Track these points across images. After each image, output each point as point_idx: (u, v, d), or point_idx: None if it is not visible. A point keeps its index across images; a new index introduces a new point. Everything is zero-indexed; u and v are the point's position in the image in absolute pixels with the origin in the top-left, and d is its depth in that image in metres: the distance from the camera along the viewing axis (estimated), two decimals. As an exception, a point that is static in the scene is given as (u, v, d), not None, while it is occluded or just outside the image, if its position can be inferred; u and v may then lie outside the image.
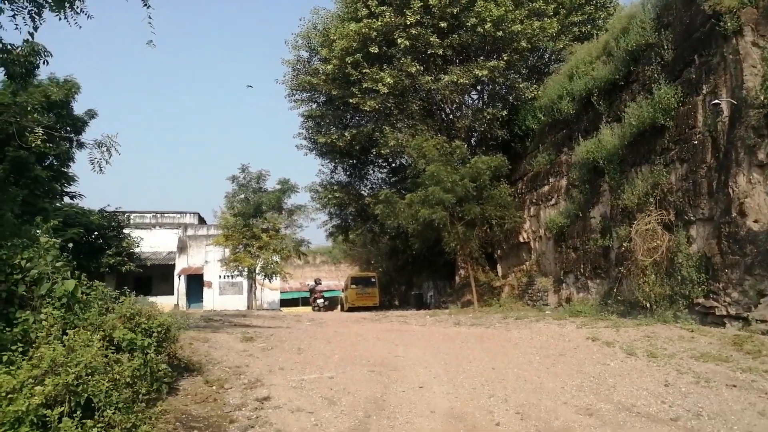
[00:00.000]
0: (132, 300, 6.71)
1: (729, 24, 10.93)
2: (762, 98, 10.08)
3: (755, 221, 10.14)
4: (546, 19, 21.52)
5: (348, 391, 6.54)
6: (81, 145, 22.68)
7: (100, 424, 4.57)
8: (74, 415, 4.50)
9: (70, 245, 29.66)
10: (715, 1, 11.33)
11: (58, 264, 6.39)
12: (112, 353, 5.45)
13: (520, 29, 20.71)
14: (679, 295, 11.64)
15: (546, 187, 20.14)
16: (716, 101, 10.95)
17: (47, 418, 4.35)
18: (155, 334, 6.23)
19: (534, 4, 21.50)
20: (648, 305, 12.54)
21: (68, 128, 20.80)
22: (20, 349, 4.96)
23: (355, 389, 6.62)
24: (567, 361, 7.76)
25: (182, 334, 8.40)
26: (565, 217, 18.01)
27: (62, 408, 4.45)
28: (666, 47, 13.37)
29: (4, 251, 5.93)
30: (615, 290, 14.15)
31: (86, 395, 4.69)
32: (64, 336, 5.36)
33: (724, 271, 10.48)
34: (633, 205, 13.91)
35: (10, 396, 4.35)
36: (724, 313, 10.39)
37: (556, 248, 19.00)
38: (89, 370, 4.83)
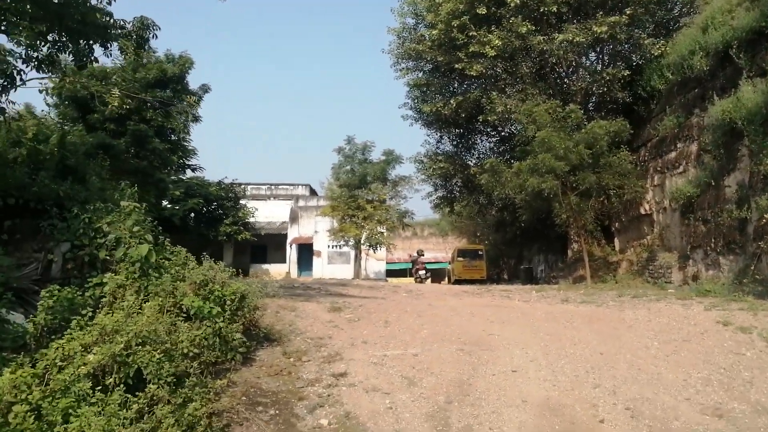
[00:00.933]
0: (209, 266, 6.57)
1: None
2: None
3: None
4: (677, -36, 19.14)
5: (431, 371, 6.04)
6: (196, 119, 23.76)
7: (143, 400, 4.34)
8: (118, 388, 4.31)
9: (192, 214, 31.85)
10: None
11: (135, 228, 6.37)
12: (182, 321, 5.29)
13: (647, -23, 18.56)
14: (837, 276, 9.85)
15: (673, 154, 18.16)
16: None
17: (93, 390, 4.18)
18: (228, 303, 6.04)
19: (663, -51, 19.20)
20: (795, 287, 10.82)
21: (185, 103, 21.74)
22: (89, 314, 4.91)
23: (439, 369, 6.11)
24: (692, 349, 6.71)
25: (270, 302, 8.29)
26: (695, 186, 16.11)
27: (110, 379, 4.31)
28: (829, -17, 11.20)
29: (87, 215, 5.99)
30: (752, 268, 12.38)
31: (135, 366, 4.51)
32: (125, 303, 5.27)
33: None
34: (779, 172, 12.01)
35: (60, 364, 4.26)
36: None
37: (682, 221, 17.12)
38: (140, 339, 4.65)
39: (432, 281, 53.14)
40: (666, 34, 20.96)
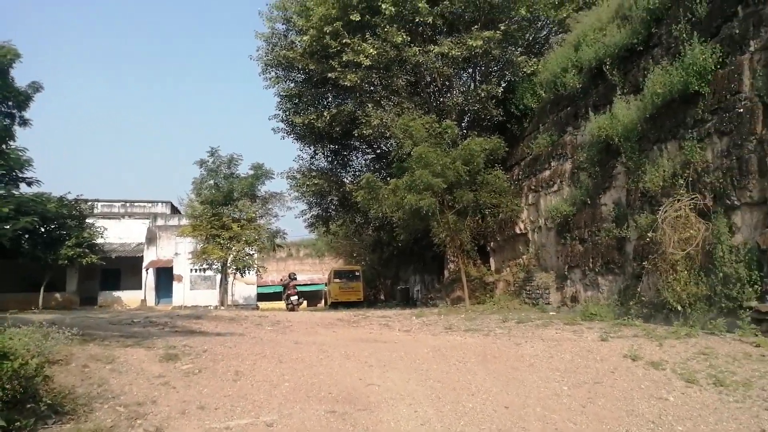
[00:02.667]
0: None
1: (790, -40, 8.74)
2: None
3: (828, 204, 8.00)
4: (548, -16, 19.29)
5: (290, 451, 4.33)
6: (24, 122, 20.16)
7: None
8: None
9: (26, 235, 27.37)
10: (774, -68, 9.12)
11: None
12: None
13: (519, -5, 18.44)
14: (722, 296, 9.50)
15: (547, 172, 17.96)
16: (775, 55, 8.75)
17: None
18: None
19: (534, -31, 19.26)
20: (680, 308, 10.42)
21: (9, 102, 18.21)
22: None
23: (302, 447, 4.41)
24: (608, 394, 5.61)
25: (79, 351, 6.10)
26: (571, 204, 15.85)
27: None
28: (699, 1, 11.17)
29: None
30: (638, 289, 12.00)
31: None
32: None
33: (785, 267, 8.34)
34: (657, 189, 11.77)
35: None
36: (786, 320, 8.26)
37: (558, 240, 16.85)
38: None
39: (308, 304, 51.14)
40: (537, 53, 21.12)
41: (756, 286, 8.85)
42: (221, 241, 23.80)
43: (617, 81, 14.02)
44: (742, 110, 9.70)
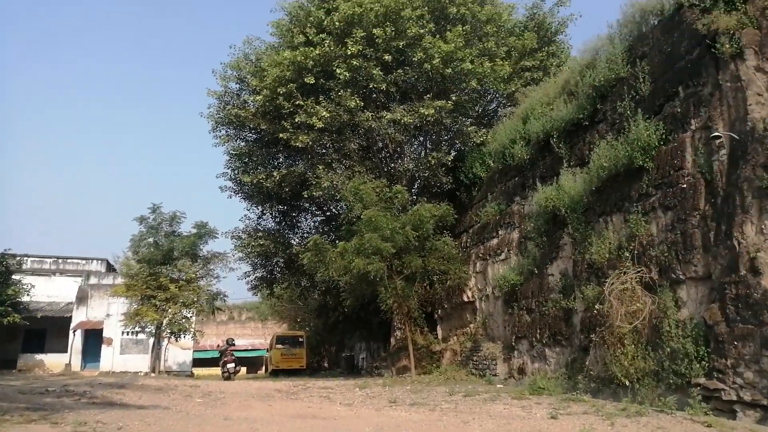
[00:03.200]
0: None
1: (726, 47, 9.18)
2: (774, 130, 8.19)
3: (772, 281, 8.04)
4: (498, 60, 19.97)
5: None
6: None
7: None
8: None
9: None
10: (710, 20, 9.60)
11: None
12: None
13: (470, 68, 18.97)
14: (669, 372, 9.33)
15: (495, 240, 17.97)
16: (717, 134, 9.03)
17: None
18: None
19: (485, 44, 19.97)
20: (627, 383, 10.19)
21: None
22: None
23: None
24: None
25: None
26: (518, 273, 15.78)
27: None
28: (642, 80, 11.62)
29: None
30: (585, 362, 11.75)
31: None
32: None
33: (732, 343, 8.26)
34: (603, 261, 11.78)
35: None
36: (734, 398, 8.10)
37: (506, 309, 16.65)
38: None
39: (249, 371, 48.94)
40: (487, 124, 21.63)
41: (703, 362, 8.72)
42: (157, 303, 22.51)
43: (564, 153, 14.31)
44: (685, 186, 9.89)
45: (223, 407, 9.30)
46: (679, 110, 10.46)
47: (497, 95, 21.67)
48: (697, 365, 8.78)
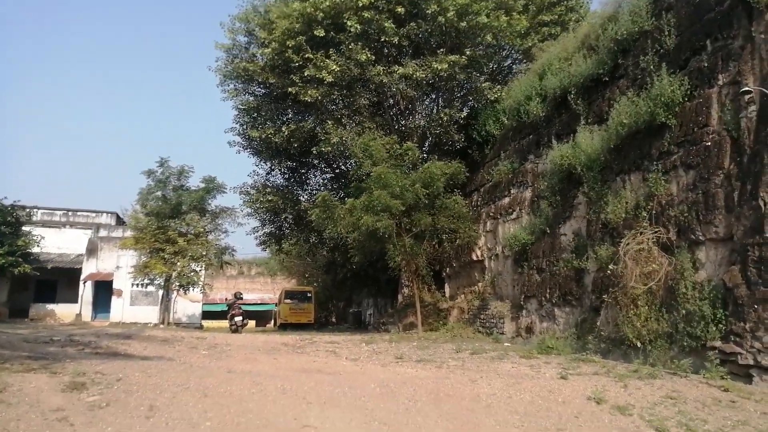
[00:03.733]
0: None
1: (761, -5, 8.61)
2: (810, 85, 7.73)
3: (797, 243, 7.72)
4: (514, 14, 19.21)
5: None
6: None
7: None
8: None
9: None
10: (746, -34, 9.00)
11: None
12: None
13: (486, 22, 18.27)
14: (684, 334, 9.12)
15: (506, 199, 17.65)
16: (747, 89, 8.56)
17: None
18: None
19: (501, -3, 19.17)
20: (639, 344, 10.01)
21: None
22: None
23: None
24: (575, 446, 5.00)
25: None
26: (529, 233, 15.51)
27: None
28: (668, 33, 11.04)
29: None
30: (596, 323, 11.57)
31: None
32: None
33: (752, 307, 8.01)
34: (618, 221, 11.47)
35: None
36: (751, 362, 7.91)
37: (515, 269, 16.47)
38: None
39: (257, 324, 49.56)
40: (501, 81, 21.01)
41: (720, 325, 8.50)
42: (165, 256, 22.49)
43: (581, 110, 13.82)
44: (709, 144, 9.48)
45: (227, 360, 9.23)
46: (706, 64, 9.95)
47: (513, 51, 20.96)
48: (714, 328, 8.56)
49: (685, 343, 9.05)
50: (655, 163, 10.75)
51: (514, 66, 21.74)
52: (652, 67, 11.24)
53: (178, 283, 23.56)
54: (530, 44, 19.53)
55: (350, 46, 18.68)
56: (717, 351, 8.39)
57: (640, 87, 11.61)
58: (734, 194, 8.86)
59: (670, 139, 10.43)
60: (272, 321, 48.82)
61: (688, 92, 10.17)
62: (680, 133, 10.23)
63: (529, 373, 8.39)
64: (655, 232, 10.31)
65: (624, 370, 8.66)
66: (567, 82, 14.61)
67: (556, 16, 20.68)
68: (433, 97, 21.43)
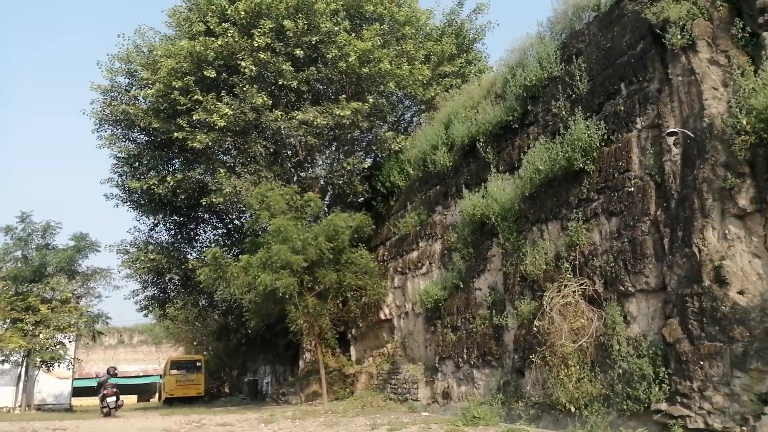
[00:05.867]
0: None
1: (677, 38, 8.40)
2: (736, 125, 7.40)
3: (740, 292, 7.19)
4: (416, 63, 18.90)
5: None
6: None
7: None
8: None
9: None
10: (660, 9, 8.82)
11: None
12: None
13: (388, 69, 17.74)
14: (623, 396, 8.29)
15: (415, 253, 16.71)
16: (673, 131, 8.17)
17: None
18: None
19: (403, 46, 18.84)
20: (573, 409, 9.09)
21: None
22: None
23: None
24: None
25: None
26: (441, 288, 14.55)
27: None
28: (579, 78, 10.76)
29: None
30: (520, 386, 10.59)
31: None
32: None
33: (698, 363, 7.31)
34: (539, 273, 10.72)
35: None
36: (701, 425, 7.14)
37: (428, 327, 15.37)
38: None
39: (140, 399, 44.69)
40: (404, 131, 20.51)
41: (664, 385, 7.72)
42: (24, 327, 19.22)
43: (491, 159, 13.28)
44: (632, 189, 9.00)
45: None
46: (622, 108, 9.62)
47: (415, 102, 20.57)
48: (657, 388, 7.77)
49: (625, 406, 8.20)
50: (574, 210, 10.18)
51: (416, 117, 21.37)
52: (564, 112, 10.88)
53: (39, 359, 20.15)
54: (433, 94, 19.21)
55: (245, 89, 17.33)
56: (663, 414, 7.58)
57: (552, 133, 11.21)
58: (664, 242, 8.32)
59: (589, 185, 9.93)
60: (157, 394, 44.35)
61: (606, 137, 9.78)
62: (599, 179, 9.75)
63: (463, 456, 7.09)
64: (581, 284, 9.61)
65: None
66: (475, 130, 14.09)
67: (457, 68, 20.68)
68: (335, 146, 20.42)
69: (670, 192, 8.34)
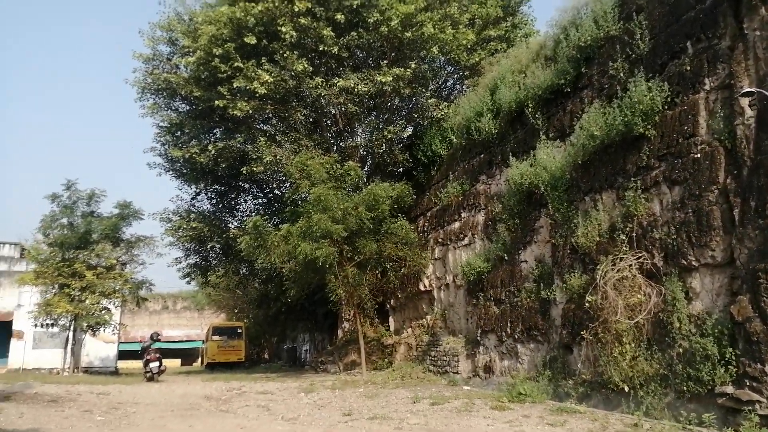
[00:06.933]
0: None
1: (755, -12, 7.59)
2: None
3: (822, 269, 6.54)
4: (461, 27, 18.13)
5: None
6: None
7: None
8: None
9: None
10: (736, -45, 8.00)
11: None
12: None
13: (431, 33, 17.05)
14: (683, 377, 7.79)
15: (457, 224, 16.24)
16: (750, 90, 7.44)
17: None
18: None
19: (446, 9, 18.06)
20: (626, 388, 8.62)
21: None
22: None
23: None
24: None
25: None
26: (485, 260, 14.09)
27: None
28: (640, 37, 9.98)
29: None
30: (567, 362, 10.15)
31: None
32: None
33: (772, 345, 6.72)
34: (591, 245, 10.17)
35: None
36: (773, 412, 6.58)
37: (469, 300, 14.98)
38: None
39: (183, 363, 46.00)
40: (446, 98, 19.85)
41: (731, 367, 7.18)
42: (71, 292, 19.66)
43: (540, 125, 12.62)
44: (699, 156, 8.32)
45: (126, 430, 7.10)
46: (688, 68, 8.86)
47: (458, 67, 19.81)
48: (722, 370, 7.24)
49: (685, 388, 7.70)
50: (632, 179, 9.54)
51: (459, 83, 20.63)
52: (622, 74, 10.16)
53: (86, 323, 20.66)
54: (477, 59, 18.46)
55: (285, 55, 16.96)
56: (728, 398, 7.07)
57: (609, 97, 10.49)
58: (734, 212, 7.67)
59: (650, 152, 9.26)
60: (199, 359, 45.51)
61: (669, 99, 9.07)
62: (661, 145, 9.07)
63: (512, 435, 6.76)
64: (638, 257, 9.04)
65: (621, 424, 7.19)
66: (523, 95, 13.42)
67: (503, 32, 19.80)
68: (375, 114, 19.94)
69: (743, 158, 7.66)
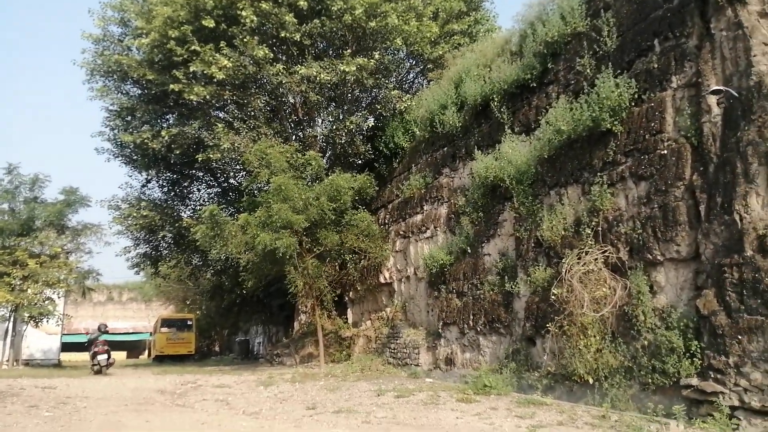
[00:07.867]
0: None
1: (723, -11, 7.74)
2: (791, 84, 6.83)
3: (785, 264, 6.73)
4: (425, 19, 18.01)
5: None
6: None
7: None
8: None
9: None
10: (707, -45, 8.14)
11: None
12: None
13: (396, 24, 16.87)
14: (648, 369, 7.92)
15: (419, 216, 16.17)
16: (717, 89, 7.58)
17: None
18: None
19: (411, 1, 17.89)
20: (591, 380, 8.72)
21: None
22: None
23: None
24: None
25: None
26: (447, 252, 14.06)
27: None
28: (607, 33, 10.08)
29: None
30: (530, 354, 10.21)
31: None
32: None
33: (735, 338, 6.90)
34: (556, 239, 10.24)
35: None
36: (737, 403, 6.77)
37: (431, 292, 14.94)
38: None
39: (129, 356, 44.55)
40: (408, 90, 19.73)
41: (695, 360, 7.33)
42: (12, 282, 18.61)
43: (505, 119, 12.64)
44: (666, 152, 8.45)
45: (78, 428, 6.67)
46: (655, 66, 8.99)
47: (422, 60, 19.70)
48: (687, 362, 7.38)
49: (650, 380, 7.84)
50: (598, 174, 9.64)
51: (422, 76, 20.52)
52: (588, 70, 10.25)
53: (28, 314, 19.61)
54: (441, 52, 18.39)
55: (245, 41, 16.43)
56: (693, 389, 7.21)
57: (575, 93, 10.59)
58: (699, 208, 7.82)
59: (616, 147, 9.37)
60: (146, 351, 44.23)
61: (636, 96, 9.19)
62: (628, 141, 9.19)
63: (482, 427, 6.70)
64: (603, 251, 9.15)
65: (588, 416, 7.24)
66: (488, 89, 13.42)
67: (466, 27, 19.80)
68: (337, 104, 19.61)
69: (709, 155, 7.81)
